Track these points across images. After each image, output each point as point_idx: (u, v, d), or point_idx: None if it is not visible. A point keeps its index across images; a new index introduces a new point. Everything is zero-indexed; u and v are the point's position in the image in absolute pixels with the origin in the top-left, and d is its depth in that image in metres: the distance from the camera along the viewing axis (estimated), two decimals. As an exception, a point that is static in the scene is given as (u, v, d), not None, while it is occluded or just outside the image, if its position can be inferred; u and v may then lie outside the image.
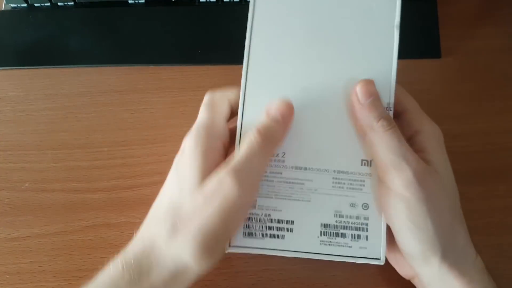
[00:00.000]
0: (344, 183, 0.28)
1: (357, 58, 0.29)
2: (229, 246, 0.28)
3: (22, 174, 0.37)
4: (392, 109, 0.28)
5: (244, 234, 0.28)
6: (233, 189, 0.24)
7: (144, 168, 0.36)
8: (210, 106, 0.29)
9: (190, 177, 0.26)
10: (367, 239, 0.28)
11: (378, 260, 0.28)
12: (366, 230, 0.28)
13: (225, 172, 0.25)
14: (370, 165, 0.28)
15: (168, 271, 0.25)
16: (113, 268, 0.25)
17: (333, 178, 0.28)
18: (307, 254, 0.28)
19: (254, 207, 0.28)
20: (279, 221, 0.28)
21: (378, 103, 0.27)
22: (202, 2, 0.42)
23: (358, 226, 0.28)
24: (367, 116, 0.27)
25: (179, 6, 0.42)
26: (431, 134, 0.28)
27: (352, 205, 0.28)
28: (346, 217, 0.28)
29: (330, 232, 0.28)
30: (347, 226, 0.28)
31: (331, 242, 0.28)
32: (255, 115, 0.28)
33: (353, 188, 0.28)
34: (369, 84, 0.27)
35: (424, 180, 0.25)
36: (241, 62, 0.29)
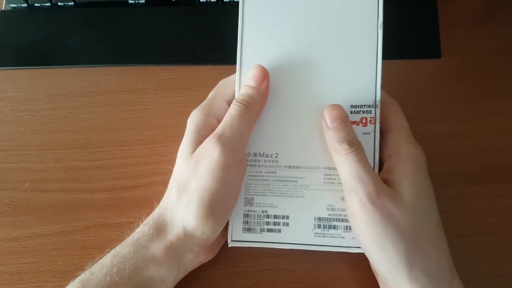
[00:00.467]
0: (335, 179, 0.30)
1: (342, 59, 0.30)
2: (231, 241, 0.30)
3: (22, 174, 0.37)
4: (379, 106, 0.29)
5: (244, 229, 0.30)
6: (216, 150, 0.27)
7: (144, 168, 0.36)
8: (216, 89, 0.32)
9: (184, 148, 0.29)
10: None
11: None
12: None
13: (209, 138, 0.28)
14: None
15: (179, 230, 0.28)
16: (137, 229, 0.29)
17: (324, 174, 0.30)
18: (303, 245, 0.30)
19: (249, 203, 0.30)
20: (275, 217, 0.30)
21: (342, 126, 0.28)
22: (202, 2, 0.42)
23: None
24: (332, 139, 0.28)
25: (179, 6, 0.42)
26: (405, 155, 0.28)
27: (343, 198, 0.29)
28: (338, 210, 0.30)
29: (324, 225, 0.30)
30: (339, 219, 0.30)
31: (324, 234, 0.29)
32: None
33: None
34: (335, 109, 0.28)
35: (380, 202, 0.26)
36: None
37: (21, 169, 0.37)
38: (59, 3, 0.42)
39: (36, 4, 0.43)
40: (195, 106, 0.30)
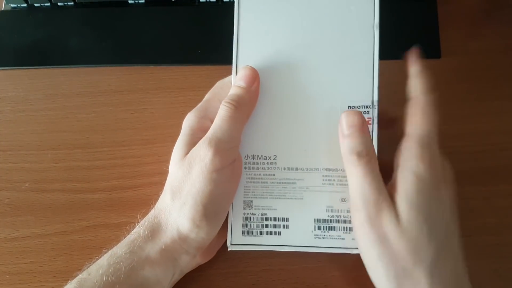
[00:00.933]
0: (334, 180, 0.30)
1: (339, 60, 0.30)
2: (231, 244, 0.30)
3: (22, 174, 0.37)
4: (376, 106, 0.29)
5: (243, 232, 0.30)
6: (208, 153, 0.27)
7: (144, 168, 0.36)
8: (212, 90, 0.32)
9: (178, 150, 0.29)
10: None
11: None
12: None
13: (201, 141, 0.28)
14: None
15: (174, 232, 0.28)
16: (133, 230, 0.29)
17: (323, 175, 0.30)
18: (303, 248, 0.30)
19: (248, 206, 0.30)
20: (275, 219, 0.30)
21: (356, 135, 0.27)
22: (202, 2, 0.42)
23: (350, 219, 0.29)
24: (343, 146, 0.28)
25: (179, 6, 0.42)
26: (410, 171, 0.26)
27: (343, 199, 0.29)
28: (338, 211, 0.29)
29: (323, 226, 0.29)
30: (339, 220, 0.29)
31: (324, 235, 0.29)
32: None
33: (342, 184, 0.29)
34: (352, 115, 0.28)
35: (378, 223, 0.25)
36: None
37: (21, 169, 0.37)
38: (59, 3, 0.42)
39: (36, 4, 0.42)
40: (194, 106, 0.31)
